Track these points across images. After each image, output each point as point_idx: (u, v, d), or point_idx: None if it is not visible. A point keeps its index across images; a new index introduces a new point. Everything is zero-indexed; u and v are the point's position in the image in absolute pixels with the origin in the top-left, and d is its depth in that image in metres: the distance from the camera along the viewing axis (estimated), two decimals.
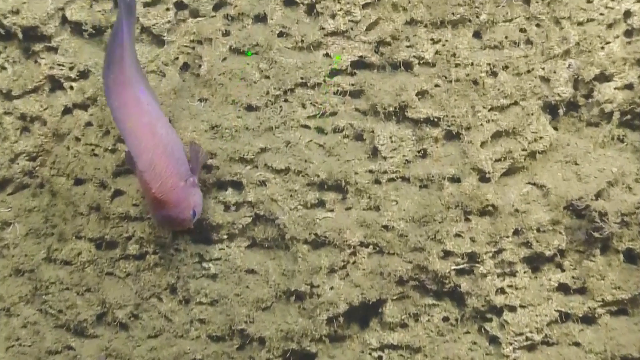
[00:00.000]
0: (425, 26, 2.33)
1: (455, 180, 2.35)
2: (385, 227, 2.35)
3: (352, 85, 2.36)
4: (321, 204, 2.38)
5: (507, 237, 2.33)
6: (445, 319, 2.41)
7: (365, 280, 2.37)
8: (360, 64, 2.38)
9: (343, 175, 2.34)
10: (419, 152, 2.36)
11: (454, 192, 2.33)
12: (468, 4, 2.30)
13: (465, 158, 2.34)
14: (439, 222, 2.33)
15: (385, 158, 2.34)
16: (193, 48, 2.41)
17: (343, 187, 2.36)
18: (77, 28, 2.43)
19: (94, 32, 2.41)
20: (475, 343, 2.39)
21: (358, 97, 2.38)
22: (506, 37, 2.34)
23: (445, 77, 2.33)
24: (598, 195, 2.30)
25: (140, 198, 2.38)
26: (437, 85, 2.34)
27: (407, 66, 2.36)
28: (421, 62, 2.34)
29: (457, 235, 2.34)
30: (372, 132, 2.35)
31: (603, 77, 2.39)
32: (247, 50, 2.34)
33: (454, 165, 2.34)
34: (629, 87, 2.37)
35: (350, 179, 2.35)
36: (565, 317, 2.36)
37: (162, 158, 1.99)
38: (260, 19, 2.39)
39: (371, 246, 2.36)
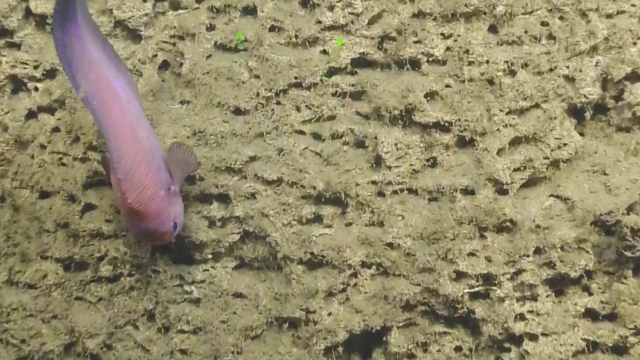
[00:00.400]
0: (435, 19, 2.32)
1: (468, 192, 2.33)
2: (390, 245, 2.32)
3: (353, 85, 2.35)
4: (318, 219, 2.36)
5: (528, 256, 2.31)
6: (458, 349, 2.37)
7: (367, 305, 2.34)
8: (361, 62, 2.36)
9: (342, 187, 2.32)
10: (427, 160, 2.35)
11: (468, 205, 2.31)
12: None
13: (479, 167, 2.32)
14: (451, 240, 2.31)
15: (389, 167, 2.33)
16: (174, 44, 2.39)
17: (342, 200, 2.34)
18: (42, 21, 2.42)
19: None
20: None
21: (359, 99, 2.37)
22: (526, 32, 2.32)
23: (457, 77, 2.32)
24: (630, 209, 2.26)
25: (113, 213, 2.37)
26: (448, 86, 2.32)
27: (415, 64, 2.34)
28: (430, 59, 2.33)
29: (471, 254, 2.32)
30: (375, 138, 2.33)
31: (635, 77, 2.37)
32: (238, 35, 2.31)
33: (467, 176, 2.32)
34: None
35: (350, 191, 2.32)
36: (593, 346, 2.33)
37: (142, 165, 1.98)
38: (250, 11, 2.38)
39: (374, 267, 2.34)
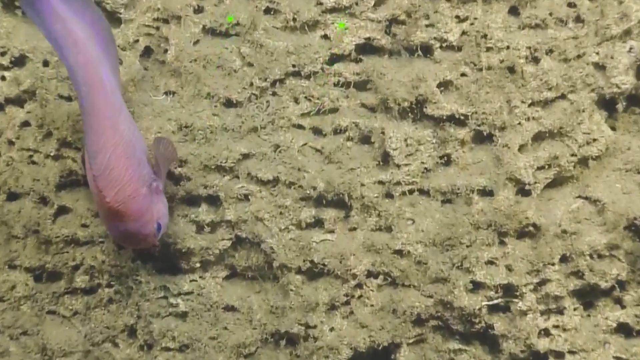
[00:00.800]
0: (449, 0, 2.28)
1: (486, 193, 2.32)
2: (399, 252, 2.32)
3: (358, 74, 2.32)
4: (318, 223, 2.34)
5: (553, 265, 2.30)
6: None
7: (373, 319, 2.34)
8: (367, 48, 2.33)
9: (346, 188, 2.30)
10: (441, 158, 2.33)
11: (486, 208, 2.29)
12: None
13: (499, 166, 2.30)
14: (467, 247, 2.30)
15: (398, 166, 2.31)
16: (157, 28, 2.36)
17: (346, 203, 2.32)
18: (10, 3, 2.38)
19: None
20: None
21: (365, 89, 2.34)
22: (551, 14, 2.28)
23: (474, 65, 2.29)
24: None
25: (90, 217, 2.35)
26: (463, 75, 2.30)
27: (427, 51, 2.31)
28: (444, 45, 2.30)
29: (490, 262, 2.31)
30: (383, 133, 2.30)
31: None
32: (229, 17, 2.28)
33: (485, 175, 2.31)
34: None
35: (354, 192, 2.30)
36: None
37: (122, 159, 1.98)
38: None
39: (381, 276, 2.34)
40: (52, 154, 2.33)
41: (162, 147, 2.13)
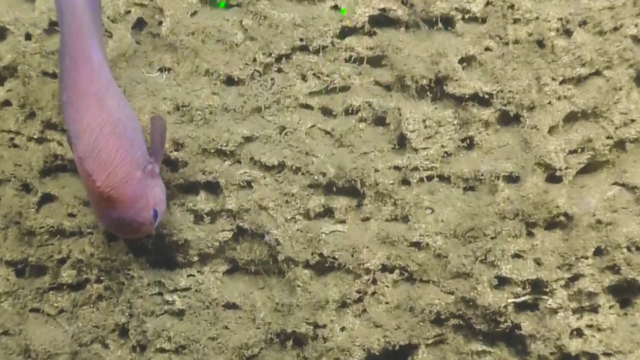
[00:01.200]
0: None
1: (513, 180, 2.31)
2: (417, 244, 2.31)
3: (371, 49, 2.31)
4: (328, 213, 2.34)
5: (586, 258, 2.30)
6: None
7: (389, 318, 2.34)
8: (382, 20, 2.32)
9: (358, 174, 2.29)
10: (462, 141, 2.32)
11: (512, 196, 2.28)
12: None
13: (527, 150, 2.28)
14: (491, 238, 2.29)
15: (416, 150, 2.29)
16: None
17: (358, 190, 2.32)
18: None
19: None
20: None
21: (379, 65, 2.33)
22: None
23: (500, 38, 2.27)
24: None
25: (78, 205, 2.33)
26: (488, 49, 2.28)
27: (447, 23, 2.30)
28: (466, 17, 2.29)
29: (517, 255, 2.30)
30: (399, 114, 2.29)
31: None
32: (220, 2, 2.31)
33: (511, 160, 2.29)
34: None
35: (367, 179, 2.30)
36: None
37: (111, 139, 1.94)
38: None
39: (397, 271, 2.34)
40: (35, 137, 2.33)
41: (155, 125, 2.10)
